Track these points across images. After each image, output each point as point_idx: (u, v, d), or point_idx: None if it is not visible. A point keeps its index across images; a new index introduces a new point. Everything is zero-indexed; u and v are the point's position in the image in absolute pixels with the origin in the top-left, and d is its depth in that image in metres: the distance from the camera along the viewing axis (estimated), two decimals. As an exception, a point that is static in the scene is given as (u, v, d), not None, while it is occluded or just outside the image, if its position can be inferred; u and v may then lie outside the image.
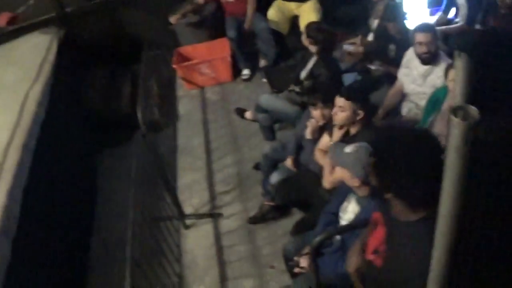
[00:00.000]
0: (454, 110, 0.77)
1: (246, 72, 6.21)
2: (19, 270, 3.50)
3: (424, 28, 4.00)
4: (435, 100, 3.71)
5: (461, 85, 0.77)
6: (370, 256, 1.92)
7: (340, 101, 3.37)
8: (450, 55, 3.91)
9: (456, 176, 0.88)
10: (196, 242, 4.33)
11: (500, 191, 1.21)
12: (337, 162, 2.89)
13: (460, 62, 0.76)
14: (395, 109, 4.32)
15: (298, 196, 3.90)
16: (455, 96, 0.79)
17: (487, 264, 1.38)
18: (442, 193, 1.01)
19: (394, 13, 4.77)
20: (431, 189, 1.52)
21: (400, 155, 1.56)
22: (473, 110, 0.76)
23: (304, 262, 3.07)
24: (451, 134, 0.79)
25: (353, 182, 2.77)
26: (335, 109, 3.41)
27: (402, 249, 1.74)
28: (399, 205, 1.71)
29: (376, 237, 1.93)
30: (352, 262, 2.26)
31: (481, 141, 0.87)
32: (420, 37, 3.93)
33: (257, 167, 4.71)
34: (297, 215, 4.17)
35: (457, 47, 0.81)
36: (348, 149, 2.82)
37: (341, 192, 3.14)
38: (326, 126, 3.73)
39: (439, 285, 1.18)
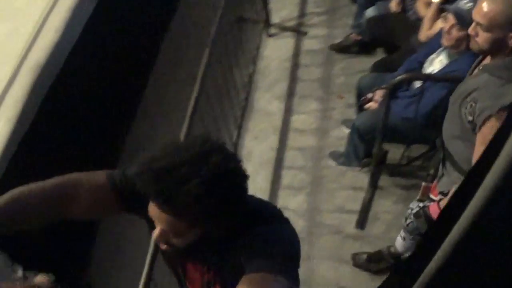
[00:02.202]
0: None
1: None
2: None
3: None
4: None
5: None
6: None
7: None
8: None
9: None
10: (275, 52, 4.39)
11: None
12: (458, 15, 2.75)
13: None
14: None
15: (388, 36, 3.85)
16: None
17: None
18: None
19: None
20: None
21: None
22: None
23: (378, 96, 3.11)
24: None
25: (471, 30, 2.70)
26: None
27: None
28: None
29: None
30: None
31: None
32: None
33: (354, -1, 4.58)
34: (379, 56, 4.13)
35: None
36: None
37: (432, 44, 3.08)
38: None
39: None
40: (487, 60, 2.25)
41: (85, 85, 3.51)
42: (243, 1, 3.75)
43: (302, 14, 4.68)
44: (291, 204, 3.47)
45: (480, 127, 2.06)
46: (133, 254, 3.37)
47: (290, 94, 4.08)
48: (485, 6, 2.07)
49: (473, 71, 2.35)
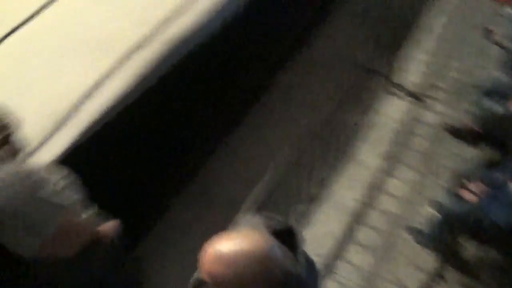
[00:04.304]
0: None
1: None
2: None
3: None
4: None
5: None
6: None
7: None
8: None
9: None
10: (389, 110, 4.47)
11: None
12: None
13: None
14: None
15: (502, 136, 3.82)
16: None
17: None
18: None
19: None
20: None
21: None
22: None
23: (476, 187, 3.10)
24: None
25: None
26: None
27: None
28: None
29: None
30: None
31: None
32: None
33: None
34: (489, 150, 4.11)
35: None
36: None
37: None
38: None
39: None
40: None
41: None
42: (372, 51, 3.81)
43: (427, 83, 4.71)
44: (354, 260, 3.53)
45: None
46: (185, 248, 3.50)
47: (393, 156, 4.14)
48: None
49: None
